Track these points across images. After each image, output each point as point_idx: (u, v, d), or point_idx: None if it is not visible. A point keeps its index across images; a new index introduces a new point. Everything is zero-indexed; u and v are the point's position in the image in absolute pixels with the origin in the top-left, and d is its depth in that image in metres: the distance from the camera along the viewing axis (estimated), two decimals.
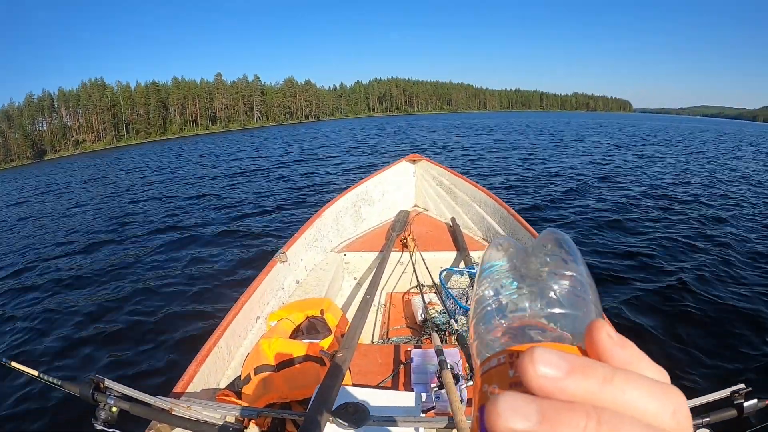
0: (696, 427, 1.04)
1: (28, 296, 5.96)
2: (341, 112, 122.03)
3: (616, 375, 0.20)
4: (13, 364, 1.22)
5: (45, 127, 76.60)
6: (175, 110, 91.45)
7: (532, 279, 0.28)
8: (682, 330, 3.77)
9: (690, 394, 1.16)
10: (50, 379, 1.19)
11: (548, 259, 0.29)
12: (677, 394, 0.21)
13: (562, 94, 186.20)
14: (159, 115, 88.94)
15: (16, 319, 5.14)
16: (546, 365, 0.20)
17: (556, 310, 0.26)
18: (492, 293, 0.29)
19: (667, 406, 0.20)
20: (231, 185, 13.29)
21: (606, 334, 0.23)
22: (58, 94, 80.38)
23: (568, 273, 0.28)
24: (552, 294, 0.27)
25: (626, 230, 6.60)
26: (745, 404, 1.08)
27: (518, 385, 0.22)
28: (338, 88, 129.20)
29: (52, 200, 16.06)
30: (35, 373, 1.20)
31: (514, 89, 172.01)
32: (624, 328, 3.74)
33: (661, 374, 0.23)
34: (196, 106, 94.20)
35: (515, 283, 0.28)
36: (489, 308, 0.28)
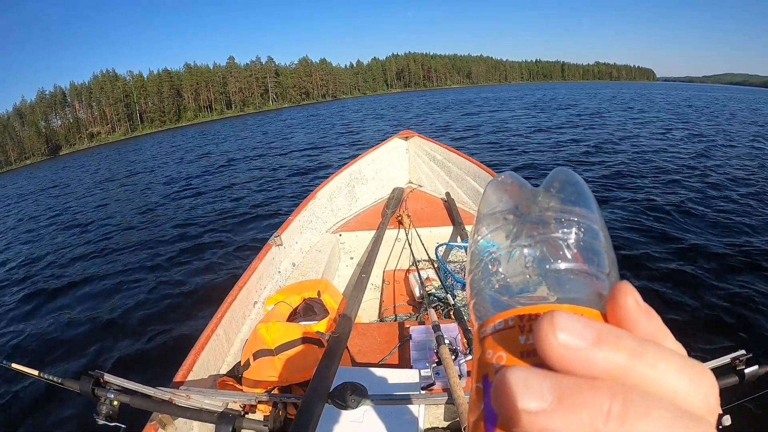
0: None
1: (20, 294, 6.00)
2: (359, 89, 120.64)
3: (647, 348, 0.18)
4: (14, 365, 1.22)
5: (58, 123, 76.69)
6: (188, 97, 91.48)
7: (540, 227, 0.24)
8: (683, 294, 3.80)
9: None
10: (51, 378, 1.19)
11: (556, 202, 0.24)
12: (710, 376, 0.19)
13: (584, 63, 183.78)
14: (173, 102, 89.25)
15: (14, 320, 5.18)
16: (570, 333, 0.18)
17: (572, 265, 0.22)
18: (493, 243, 0.25)
19: (701, 387, 0.18)
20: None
21: (634, 300, 0.20)
22: (70, 88, 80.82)
23: (581, 220, 0.24)
24: (565, 244, 0.23)
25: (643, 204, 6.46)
26: (746, 371, 1.08)
27: (531, 354, 0.19)
28: (355, 65, 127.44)
29: (50, 199, 16.07)
30: (36, 373, 1.20)
31: (534, 60, 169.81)
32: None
33: (683, 353, 0.20)
34: (209, 91, 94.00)
35: (520, 234, 0.24)
36: (490, 259, 0.24)
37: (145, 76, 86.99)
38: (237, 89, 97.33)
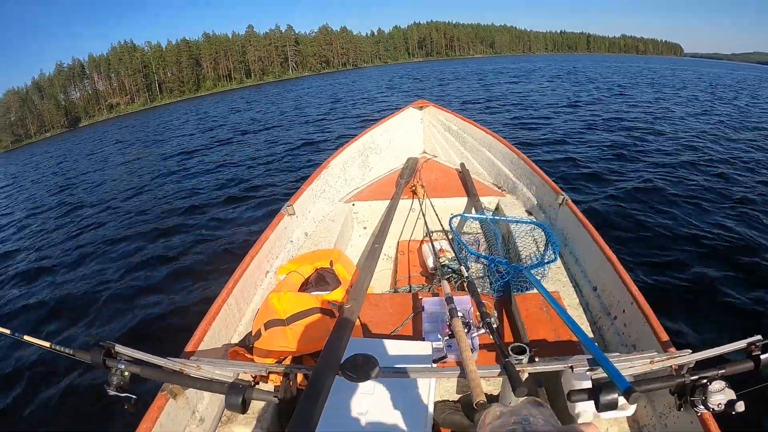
0: (710, 378, 1.01)
1: (32, 265, 6.12)
2: (380, 58, 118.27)
3: None
4: (26, 337, 1.22)
5: (77, 95, 77.41)
6: (207, 66, 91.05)
7: None
8: (701, 277, 3.73)
9: (706, 345, 1.11)
10: (62, 349, 1.19)
11: None
12: None
13: (610, 36, 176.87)
14: (192, 72, 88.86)
15: (24, 291, 5.27)
16: None
17: None
18: None
19: None
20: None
21: None
22: (89, 60, 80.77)
23: None
24: None
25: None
26: (762, 357, 1.05)
27: None
28: (376, 34, 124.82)
29: (68, 169, 16.24)
30: (47, 344, 1.19)
31: (559, 31, 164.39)
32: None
33: None
34: (229, 60, 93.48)
35: None
36: None
37: (164, 47, 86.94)
38: (256, 58, 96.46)
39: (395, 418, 1.24)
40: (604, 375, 1.05)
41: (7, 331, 1.24)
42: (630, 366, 1.10)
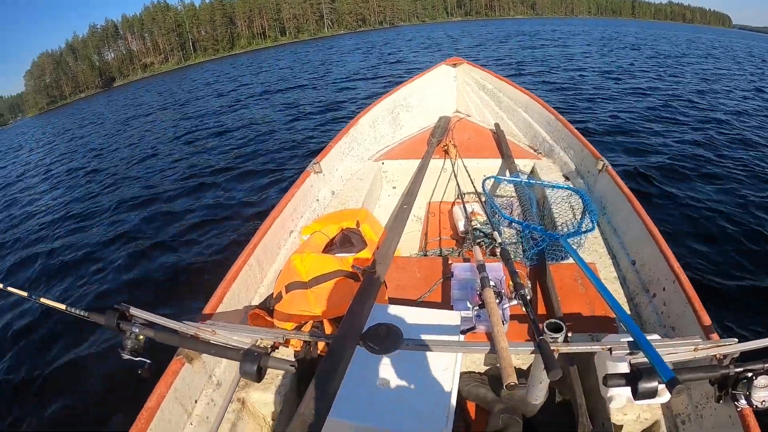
0: (757, 372, 0.93)
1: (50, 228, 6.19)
2: (417, 17, 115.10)
3: None
4: (42, 300, 1.20)
5: (111, 56, 79.71)
6: (242, 24, 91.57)
7: None
8: (753, 261, 3.47)
9: (753, 336, 0.99)
10: (77, 312, 1.17)
11: None
12: None
13: (656, 2, 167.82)
14: (226, 30, 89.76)
15: (40, 253, 5.34)
16: None
17: None
18: None
19: None
20: None
21: None
22: (122, 20, 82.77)
23: None
24: None
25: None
26: None
27: None
28: None
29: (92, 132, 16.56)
30: (63, 307, 1.17)
31: None
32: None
33: None
34: (263, 18, 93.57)
35: None
36: None
37: (197, 5, 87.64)
38: (291, 16, 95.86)
39: (418, 391, 1.17)
40: (644, 359, 0.95)
41: (24, 294, 1.23)
42: (672, 352, 1.00)
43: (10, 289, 1.24)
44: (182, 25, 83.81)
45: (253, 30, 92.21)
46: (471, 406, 1.55)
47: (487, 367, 1.58)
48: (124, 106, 24.68)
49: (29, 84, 74.21)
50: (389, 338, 1.04)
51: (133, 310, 1.14)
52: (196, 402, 1.37)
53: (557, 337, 1.06)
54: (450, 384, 1.18)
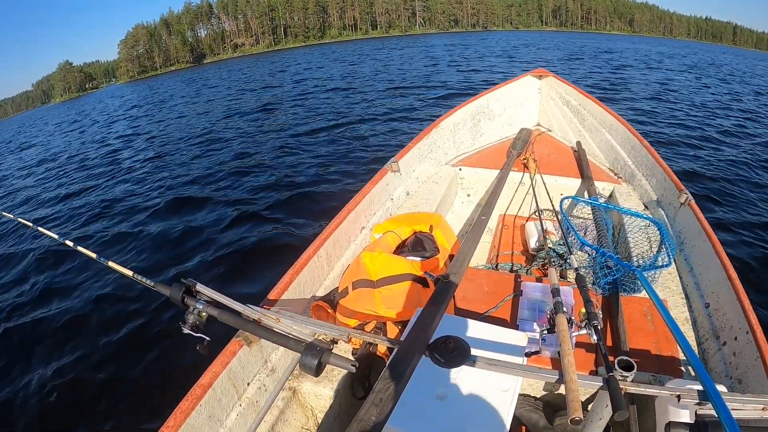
0: None
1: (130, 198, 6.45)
2: (511, 23, 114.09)
3: None
4: (110, 263, 1.23)
5: (204, 33, 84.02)
6: (334, 14, 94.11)
7: None
8: None
9: None
10: (144, 280, 1.18)
11: None
12: None
13: (759, 30, 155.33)
14: (318, 19, 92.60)
15: (123, 220, 5.56)
16: None
17: None
18: None
19: None
20: None
21: None
22: (217, 0, 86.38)
23: None
24: None
25: None
26: None
27: None
28: None
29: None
30: (130, 273, 1.20)
31: (704, 17, 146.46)
32: None
33: None
34: (355, 10, 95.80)
35: None
36: None
37: None
38: (384, 10, 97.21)
39: (476, 410, 1.14)
40: (710, 412, 0.90)
41: (93, 255, 1.27)
42: (739, 408, 0.93)
43: (80, 248, 1.29)
44: (275, 10, 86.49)
45: (345, 21, 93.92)
46: (520, 430, 1.51)
47: (544, 392, 1.54)
48: (227, 76, 25.71)
49: (122, 52, 79.21)
50: (456, 352, 1.02)
51: (200, 287, 1.16)
52: (248, 385, 1.40)
53: (627, 376, 1.01)
54: (508, 407, 1.15)
